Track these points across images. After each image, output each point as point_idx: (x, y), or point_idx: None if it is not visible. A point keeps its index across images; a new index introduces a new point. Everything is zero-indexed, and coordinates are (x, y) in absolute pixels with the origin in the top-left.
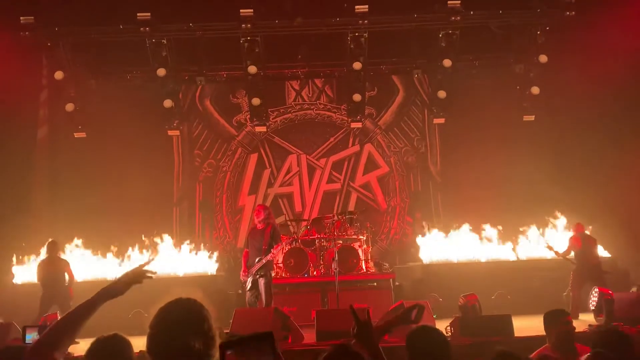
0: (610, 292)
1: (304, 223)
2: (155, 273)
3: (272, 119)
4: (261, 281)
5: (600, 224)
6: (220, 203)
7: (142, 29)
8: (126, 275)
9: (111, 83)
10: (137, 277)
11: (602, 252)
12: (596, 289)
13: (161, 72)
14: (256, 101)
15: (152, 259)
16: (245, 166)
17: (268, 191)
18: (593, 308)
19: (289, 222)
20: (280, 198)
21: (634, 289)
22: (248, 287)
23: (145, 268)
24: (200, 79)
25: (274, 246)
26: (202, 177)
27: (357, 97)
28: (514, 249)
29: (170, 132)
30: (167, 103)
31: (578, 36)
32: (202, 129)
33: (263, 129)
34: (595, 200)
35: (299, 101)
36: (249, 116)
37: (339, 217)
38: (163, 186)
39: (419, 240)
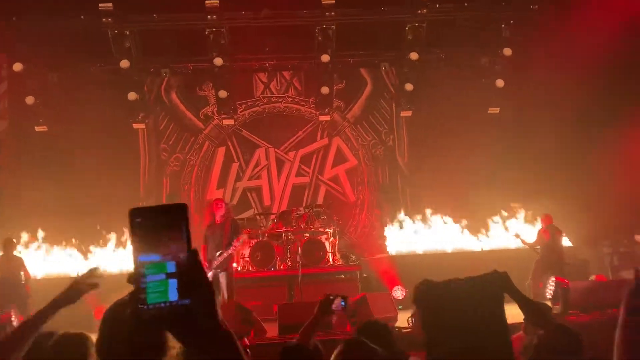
0: (567, 281)
1: (272, 217)
2: (101, 277)
3: (240, 112)
4: (222, 276)
5: (563, 214)
6: (187, 197)
7: (104, 19)
8: (76, 283)
9: (73, 75)
10: (85, 286)
11: (565, 242)
12: (553, 279)
13: (125, 64)
14: (223, 94)
15: (95, 270)
16: (212, 160)
17: (236, 185)
18: (550, 297)
19: (257, 216)
20: (249, 192)
21: (591, 278)
22: None
23: (94, 272)
24: (166, 71)
25: (236, 239)
26: (169, 171)
27: (325, 90)
28: (479, 240)
29: (135, 126)
30: (132, 96)
31: (542, 30)
32: (169, 122)
33: (231, 122)
34: (558, 192)
35: (267, 94)
36: (216, 109)
37: (306, 210)
38: (129, 181)
39: (387, 232)
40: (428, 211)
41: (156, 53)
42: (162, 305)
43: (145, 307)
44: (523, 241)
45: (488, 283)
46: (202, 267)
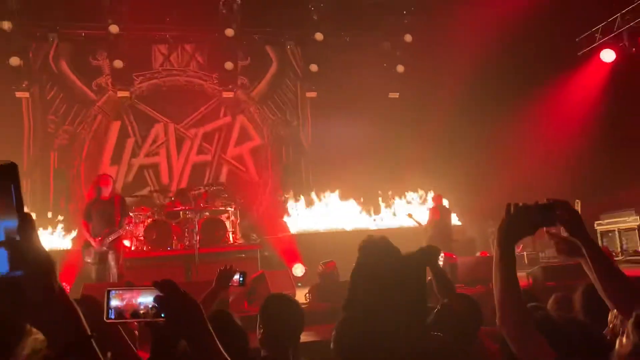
0: (455, 256)
1: (170, 195)
2: None
3: (137, 84)
4: (111, 255)
5: (454, 194)
6: (78, 174)
7: None
8: None
9: None
10: None
11: (454, 221)
12: (442, 254)
13: (6, 25)
14: (118, 64)
15: None
16: (106, 134)
17: (132, 161)
18: None
19: (154, 194)
20: (146, 169)
21: (477, 254)
22: (94, 261)
23: None
24: (54, 35)
25: (126, 218)
26: (57, 144)
27: (229, 66)
28: (376, 219)
29: (18, 94)
30: (15, 61)
31: (442, 17)
32: (57, 92)
33: (126, 94)
34: (450, 173)
35: (166, 66)
36: (110, 80)
37: (206, 188)
38: (10, 153)
39: (290, 211)
40: (330, 191)
41: (43, 16)
42: None
43: None
44: (415, 220)
45: (421, 252)
46: (35, 235)
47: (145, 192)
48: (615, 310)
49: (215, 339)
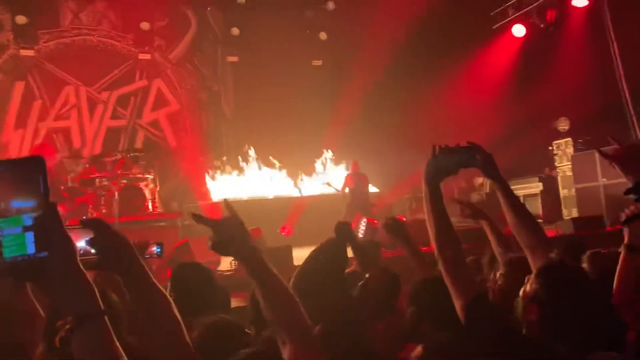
0: (376, 221)
1: (83, 161)
2: None
3: (43, 42)
4: None
5: (374, 161)
6: None
7: None
8: None
9: None
10: None
11: (372, 188)
12: (365, 220)
13: None
14: (21, 19)
15: None
16: (9, 96)
17: (39, 125)
18: (362, 236)
19: (64, 160)
20: (55, 133)
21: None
22: None
23: None
24: None
25: None
26: None
27: (145, 26)
28: (298, 186)
29: None
30: None
31: None
32: None
33: (31, 53)
34: (372, 140)
35: (76, 24)
36: (12, 37)
37: (123, 155)
38: None
39: (210, 178)
40: (252, 158)
41: None
42: (19, 258)
43: (2, 260)
44: (334, 188)
45: (336, 234)
46: (59, 220)
47: (57, 158)
48: (500, 271)
49: (149, 273)
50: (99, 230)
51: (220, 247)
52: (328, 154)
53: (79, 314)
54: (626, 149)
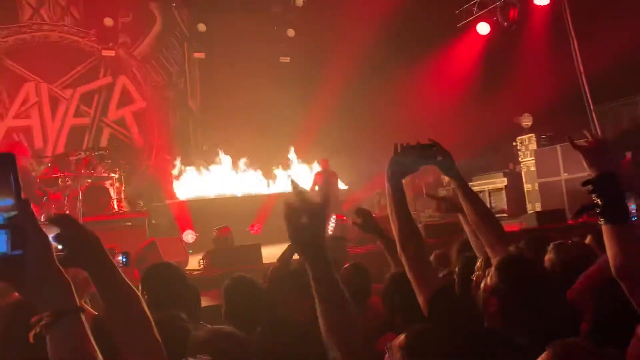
0: (345, 218)
1: (46, 160)
2: None
3: (1, 38)
4: None
5: (343, 158)
6: None
7: None
8: None
9: None
10: None
11: (341, 185)
12: (334, 216)
13: None
14: None
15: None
16: None
17: None
18: (331, 232)
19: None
20: (16, 132)
21: None
22: None
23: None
24: None
25: None
26: None
27: (108, 22)
28: (267, 184)
29: None
30: None
31: None
32: None
33: None
34: (340, 137)
35: (36, 20)
36: None
37: (87, 153)
38: None
39: (177, 177)
40: (220, 156)
41: None
42: None
43: None
44: (302, 187)
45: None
46: (33, 218)
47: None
48: (479, 261)
49: (118, 269)
50: (65, 225)
51: (298, 233)
52: (292, 155)
53: (55, 310)
54: (597, 143)
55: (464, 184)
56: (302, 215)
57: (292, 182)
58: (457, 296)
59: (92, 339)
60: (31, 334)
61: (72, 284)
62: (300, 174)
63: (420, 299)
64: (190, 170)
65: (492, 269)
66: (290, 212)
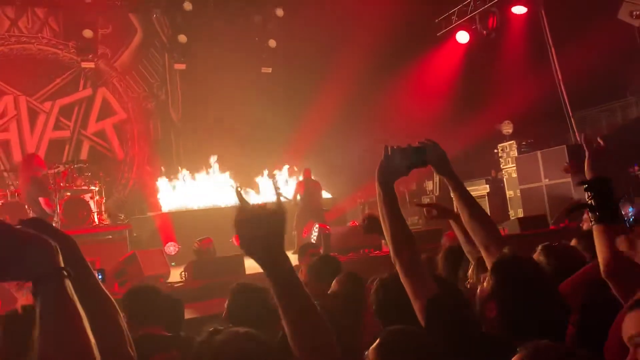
0: (328, 227)
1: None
2: None
3: None
4: None
5: (325, 167)
6: None
7: None
8: None
9: None
10: None
11: (325, 194)
12: (317, 225)
13: None
14: None
15: None
16: None
17: None
18: (314, 242)
19: (4, 174)
20: None
21: (348, 224)
22: None
23: None
24: None
25: None
26: None
27: (88, 34)
28: (250, 195)
29: None
30: None
31: None
32: None
33: None
34: (322, 147)
35: (14, 32)
36: None
37: (66, 166)
38: None
39: (159, 189)
40: (202, 167)
41: None
42: None
43: None
44: (283, 196)
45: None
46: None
47: None
48: (471, 268)
49: (94, 273)
50: (39, 229)
51: (251, 244)
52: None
53: (38, 273)
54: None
55: (459, 183)
56: (254, 225)
57: (238, 192)
58: (453, 302)
59: (77, 299)
60: (19, 305)
61: (55, 248)
62: (282, 184)
63: (416, 306)
64: (172, 181)
65: (488, 272)
66: (240, 224)
